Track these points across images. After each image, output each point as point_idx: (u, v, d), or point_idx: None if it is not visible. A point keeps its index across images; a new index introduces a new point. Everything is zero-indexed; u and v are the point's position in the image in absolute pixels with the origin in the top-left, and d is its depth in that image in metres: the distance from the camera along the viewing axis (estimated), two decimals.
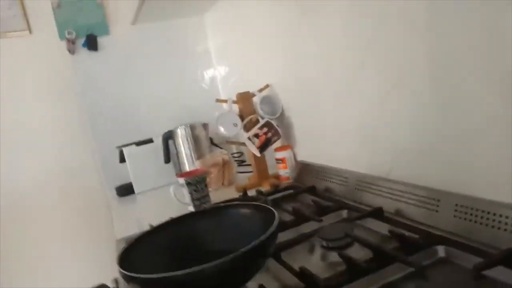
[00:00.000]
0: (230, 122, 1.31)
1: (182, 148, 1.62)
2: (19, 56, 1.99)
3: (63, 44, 1.79)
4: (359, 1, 0.89)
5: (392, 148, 0.91)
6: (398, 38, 0.81)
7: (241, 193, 1.26)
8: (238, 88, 1.53)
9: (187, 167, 1.62)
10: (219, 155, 1.50)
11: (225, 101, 1.34)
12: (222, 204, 0.84)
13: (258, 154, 1.30)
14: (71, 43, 1.68)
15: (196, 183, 1.22)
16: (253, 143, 1.27)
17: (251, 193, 1.25)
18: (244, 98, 1.35)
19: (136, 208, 1.55)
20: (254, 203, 0.77)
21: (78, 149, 2.28)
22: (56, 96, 2.15)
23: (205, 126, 1.65)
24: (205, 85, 1.97)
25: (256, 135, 1.28)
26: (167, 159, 1.67)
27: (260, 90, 1.35)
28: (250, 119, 1.32)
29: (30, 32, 1.91)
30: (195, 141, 1.62)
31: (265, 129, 1.29)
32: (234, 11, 1.62)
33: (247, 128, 1.31)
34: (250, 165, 1.50)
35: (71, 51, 1.68)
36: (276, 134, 1.29)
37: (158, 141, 1.72)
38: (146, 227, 0.86)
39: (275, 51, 1.34)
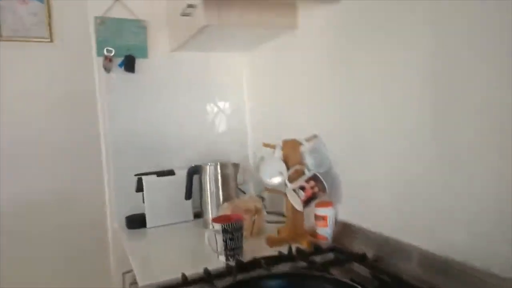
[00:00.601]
0: (275, 170, 1.23)
1: (208, 186, 1.52)
2: (37, 64, 1.91)
3: (87, 59, 1.74)
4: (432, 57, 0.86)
5: (466, 228, 0.84)
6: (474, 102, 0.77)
7: (274, 247, 1.17)
8: (272, 133, 1.47)
9: (209, 208, 1.51)
10: (251, 200, 1.40)
11: (273, 146, 1.27)
12: (297, 272, 0.74)
13: (301, 209, 1.20)
14: (109, 60, 1.60)
15: (233, 231, 1.12)
16: (298, 196, 1.19)
17: (284, 249, 1.14)
18: (291, 146, 1.27)
19: (151, 247, 1.41)
20: (334, 277, 0.67)
21: (86, 171, 2.17)
22: (72, 111, 2.06)
23: (235, 166, 1.55)
24: (235, 124, 1.90)
25: (302, 188, 1.20)
26: (189, 195, 1.56)
27: (308, 140, 1.29)
28: (296, 170, 1.24)
29: (51, 40, 1.85)
30: (223, 181, 1.52)
31: (312, 183, 1.20)
32: (278, 55, 1.59)
33: (291, 178, 1.23)
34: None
35: (107, 69, 1.60)
36: (323, 189, 1.21)
37: (180, 175, 1.62)
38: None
39: (326, 100, 1.29)
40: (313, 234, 1.26)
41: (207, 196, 1.52)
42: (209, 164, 1.53)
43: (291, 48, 1.48)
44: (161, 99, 1.74)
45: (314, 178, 1.22)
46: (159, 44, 1.73)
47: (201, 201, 1.55)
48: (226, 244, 1.11)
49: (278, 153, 1.24)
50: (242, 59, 1.90)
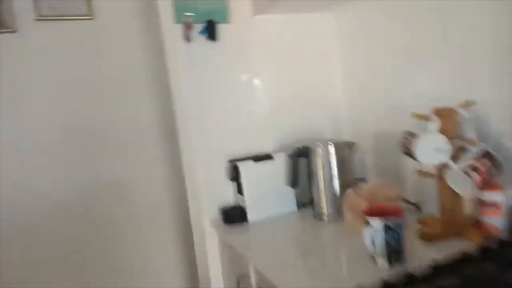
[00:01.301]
0: (431, 147, 0.96)
1: (321, 172, 1.27)
2: (82, 42, 1.76)
3: (131, 32, 1.58)
4: None
5: None
6: None
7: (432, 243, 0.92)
8: (377, 107, 1.19)
9: (323, 197, 1.27)
10: (383, 187, 1.14)
11: (426, 117, 1.00)
12: None
13: (472, 195, 0.94)
14: (188, 28, 1.35)
15: (398, 229, 0.87)
16: (471, 178, 0.92)
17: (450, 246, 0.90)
18: (446, 116, 1.00)
19: (267, 245, 1.18)
20: None
21: (152, 158, 2.00)
22: (128, 90, 1.89)
23: (351, 146, 1.30)
24: (328, 95, 1.63)
25: (474, 168, 0.93)
26: (294, 182, 1.32)
27: (465, 106, 1.01)
28: (459, 146, 0.97)
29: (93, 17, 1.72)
30: (339, 164, 1.26)
31: (484, 161, 0.94)
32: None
33: (455, 157, 0.96)
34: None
35: (189, 38, 1.36)
36: (499, 168, 0.94)
37: (278, 159, 1.38)
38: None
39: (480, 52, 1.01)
40: (478, 225, 1.00)
41: (320, 183, 1.27)
42: (319, 144, 1.28)
43: None
44: (246, 68, 1.49)
45: (487, 154, 0.95)
46: (241, 6, 1.46)
47: (310, 189, 1.31)
48: (388, 246, 0.87)
49: (435, 125, 0.97)
50: (334, 19, 1.61)
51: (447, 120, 0.99)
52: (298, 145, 1.33)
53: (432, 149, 0.96)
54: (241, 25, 1.46)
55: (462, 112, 1.00)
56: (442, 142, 0.95)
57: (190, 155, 1.47)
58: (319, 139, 1.33)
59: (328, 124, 1.63)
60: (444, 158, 0.95)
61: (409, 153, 1.02)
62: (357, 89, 1.56)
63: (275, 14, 1.48)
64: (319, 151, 1.27)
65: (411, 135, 1.02)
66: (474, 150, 0.95)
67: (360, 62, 1.51)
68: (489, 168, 0.93)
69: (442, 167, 0.99)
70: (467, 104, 1.01)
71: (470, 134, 0.99)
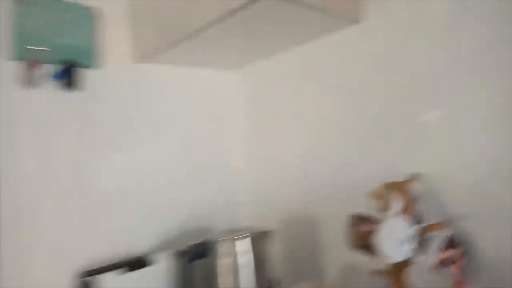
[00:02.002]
0: (398, 237, 0.70)
1: (231, 276, 0.86)
2: None
3: None
4: None
5: None
6: None
7: None
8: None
9: None
10: None
11: (381, 195, 0.74)
12: None
13: None
14: (33, 67, 0.88)
15: None
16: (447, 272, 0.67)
17: None
18: (402, 193, 0.77)
19: None
20: None
21: None
22: None
23: (268, 237, 0.95)
24: (225, 170, 1.28)
25: (448, 261, 0.69)
26: None
27: (414, 181, 0.81)
28: (422, 228, 0.73)
29: None
30: (257, 265, 0.89)
31: (455, 250, 0.71)
32: (302, 64, 1.13)
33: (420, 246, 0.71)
34: None
35: (32, 81, 0.88)
36: (468, 257, 0.73)
37: (159, 265, 0.93)
38: None
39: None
40: None
41: None
42: (225, 238, 0.89)
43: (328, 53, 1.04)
44: (114, 140, 1.05)
45: (454, 241, 0.73)
46: (119, 47, 1.08)
47: None
48: None
49: (399, 206, 0.73)
50: (237, 77, 1.35)
51: (404, 198, 0.77)
52: (191, 241, 0.92)
53: (399, 239, 0.70)
54: (116, 73, 1.06)
55: (415, 187, 0.80)
56: (410, 228, 0.70)
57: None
58: (220, 230, 0.95)
59: (225, 207, 1.26)
60: (412, 249, 0.70)
61: (366, 247, 0.74)
62: (262, 161, 1.27)
63: (165, 64, 1.15)
64: (225, 247, 0.88)
65: (368, 221, 0.75)
66: (441, 236, 0.74)
67: (267, 128, 1.25)
68: (462, 258, 0.71)
69: (405, 262, 0.73)
70: (415, 178, 0.82)
71: (428, 214, 0.79)
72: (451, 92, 0.81)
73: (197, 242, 0.91)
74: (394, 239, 0.69)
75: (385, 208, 0.74)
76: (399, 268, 0.75)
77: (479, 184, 0.76)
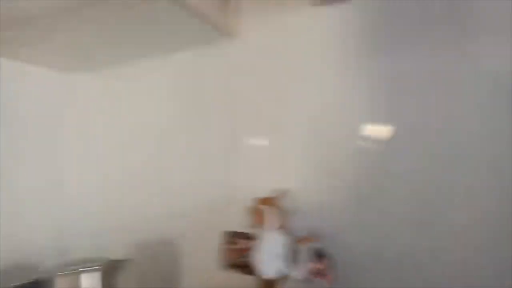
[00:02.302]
0: (274, 253, 0.67)
1: None
2: None
3: None
4: None
5: None
6: None
7: None
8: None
9: None
10: None
11: (260, 210, 0.70)
12: None
13: None
14: None
15: None
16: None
17: None
18: (272, 204, 0.75)
19: None
20: None
21: None
22: None
23: (123, 268, 0.79)
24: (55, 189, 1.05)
25: (318, 273, 0.70)
26: None
27: (282, 196, 0.81)
28: (294, 246, 0.73)
29: None
30: None
31: (323, 263, 0.73)
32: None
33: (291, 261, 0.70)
34: None
35: None
36: (335, 270, 0.76)
37: None
38: None
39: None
40: None
41: None
42: (67, 272, 0.70)
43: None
44: None
45: (321, 254, 0.75)
46: None
47: None
48: None
49: (273, 221, 0.70)
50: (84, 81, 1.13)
51: (277, 213, 0.76)
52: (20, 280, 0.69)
53: (276, 254, 0.67)
54: None
55: (285, 202, 0.80)
56: (285, 243, 0.69)
57: None
58: (57, 264, 0.75)
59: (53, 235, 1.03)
60: (287, 264, 0.69)
61: (241, 265, 0.68)
62: (101, 181, 1.09)
63: None
64: (66, 284, 0.69)
65: (244, 237, 0.70)
66: (310, 249, 0.75)
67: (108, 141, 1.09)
68: (330, 270, 0.74)
69: (280, 277, 0.71)
70: (283, 194, 0.83)
71: (295, 228, 0.79)
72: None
73: (28, 280, 0.69)
74: (272, 255, 0.67)
75: (259, 223, 0.72)
76: (273, 283, 0.73)
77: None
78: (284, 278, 0.72)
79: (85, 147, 1.12)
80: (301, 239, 0.75)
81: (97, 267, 0.73)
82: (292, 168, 0.87)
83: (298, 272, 0.71)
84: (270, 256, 0.67)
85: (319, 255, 0.75)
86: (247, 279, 0.72)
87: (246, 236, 0.70)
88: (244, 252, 0.69)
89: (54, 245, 1.03)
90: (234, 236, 0.71)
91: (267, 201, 0.75)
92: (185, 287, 0.93)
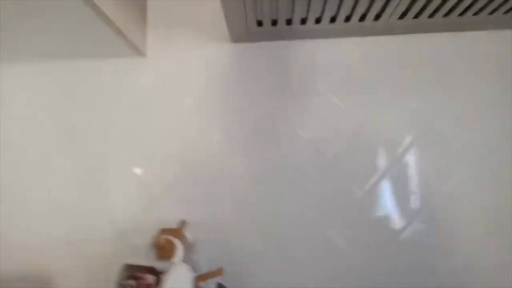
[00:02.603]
0: (182, 286, 0.62)
1: None
2: None
3: None
4: None
5: None
6: None
7: None
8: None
9: None
10: None
11: (171, 245, 0.64)
12: None
13: None
14: None
15: None
16: None
17: None
18: (177, 236, 0.71)
19: None
20: None
21: None
22: None
23: None
24: None
25: None
26: None
27: (183, 228, 0.77)
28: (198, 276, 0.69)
29: None
30: None
31: None
32: None
33: None
34: None
35: None
36: None
37: None
38: None
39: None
40: None
41: None
42: None
43: None
44: None
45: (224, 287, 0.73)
46: None
47: None
48: None
49: (180, 254, 0.65)
50: None
51: (184, 245, 0.71)
52: None
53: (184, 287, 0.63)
54: None
55: (186, 234, 0.76)
56: (192, 276, 0.65)
57: None
58: None
59: None
60: None
61: None
62: None
63: None
64: None
65: (149, 270, 0.63)
66: (214, 282, 0.72)
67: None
68: None
69: None
70: (185, 224, 0.79)
71: (192, 259, 0.76)
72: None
73: None
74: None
75: (165, 256, 0.67)
76: None
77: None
78: None
79: None
80: (203, 275, 0.73)
81: None
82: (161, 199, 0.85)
83: None
84: None
85: None
86: None
87: (151, 270, 0.64)
88: (151, 287, 0.62)
89: None
90: (138, 271, 0.64)
91: (172, 232, 0.71)
92: None
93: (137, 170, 0.86)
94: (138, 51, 0.86)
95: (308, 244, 0.82)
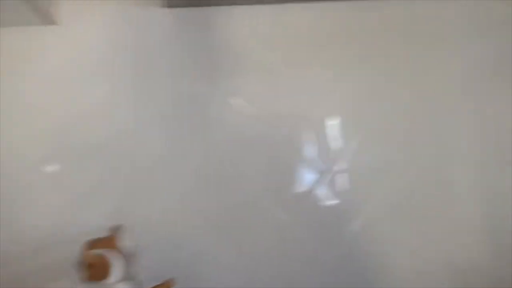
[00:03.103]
0: None
1: None
2: None
3: None
4: None
5: None
6: None
7: None
8: None
9: None
10: None
11: (104, 261, 0.50)
12: None
13: None
14: None
15: None
16: None
17: None
18: (110, 248, 0.56)
19: None
20: None
21: None
22: None
23: None
24: None
25: None
26: None
27: (118, 233, 0.63)
28: None
29: None
30: None
31: None
32: None
33: None
34: None
35: None
36: None
37: None
38: None
39: None
40: None
41: None
42: None
43: None
44: None
45: None
46: None
47: None
48: None
49: (118, 271, 0.51)
50: None
51: (120, 259, 0.57)
52: None
53: None
54: None
55: (124, 242, 0.62)
56: None
57: None
58: None
59: None
60: None
61: None
62: None
63: None
64: None
65: None
66: None
67: None
68: None
69: None
70: (120, 230, 0.65)
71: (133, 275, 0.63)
72: None
73: None
74: None
75: (98, 277, 0.52)
76: None
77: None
78: None
79: None
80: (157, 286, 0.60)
81: None
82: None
83: None
84: None
85: None
86: None
87: None
88: None
89: None
90: None
91: (104, 243, 0.57)
92: None
93: (49, 168, 0.69)
94: (48, 18, 0.68)
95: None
